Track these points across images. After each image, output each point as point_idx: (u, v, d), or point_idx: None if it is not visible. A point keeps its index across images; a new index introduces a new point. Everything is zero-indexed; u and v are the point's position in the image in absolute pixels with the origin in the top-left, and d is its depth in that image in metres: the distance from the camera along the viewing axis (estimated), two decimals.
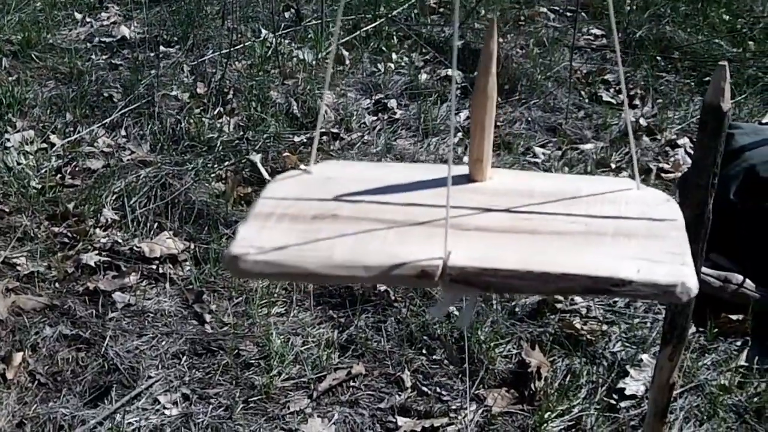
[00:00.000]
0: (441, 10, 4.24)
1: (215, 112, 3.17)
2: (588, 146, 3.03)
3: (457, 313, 2.07)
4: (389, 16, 4.00)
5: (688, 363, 2.00)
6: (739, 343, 2.10)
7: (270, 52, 3.58)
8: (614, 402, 1.92)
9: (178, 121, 3.08)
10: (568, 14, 4.20)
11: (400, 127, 3.14)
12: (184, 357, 2.04)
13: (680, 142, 3.05)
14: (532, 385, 1.95)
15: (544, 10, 4.25)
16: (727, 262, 2.22)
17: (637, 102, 3.35)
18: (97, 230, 2.48)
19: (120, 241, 2.43)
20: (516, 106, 3.28)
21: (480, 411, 1.90)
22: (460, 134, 3.05)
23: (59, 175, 2.77)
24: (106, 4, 4.21)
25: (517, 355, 2.04)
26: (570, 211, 0.79)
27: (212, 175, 2.78)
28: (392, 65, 3.58)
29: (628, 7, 4.25)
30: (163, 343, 2.08)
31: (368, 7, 4.09)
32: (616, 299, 2.19)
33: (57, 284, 2.27)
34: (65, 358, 2.04)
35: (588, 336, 2.09)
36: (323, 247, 0.73)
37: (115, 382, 1.97)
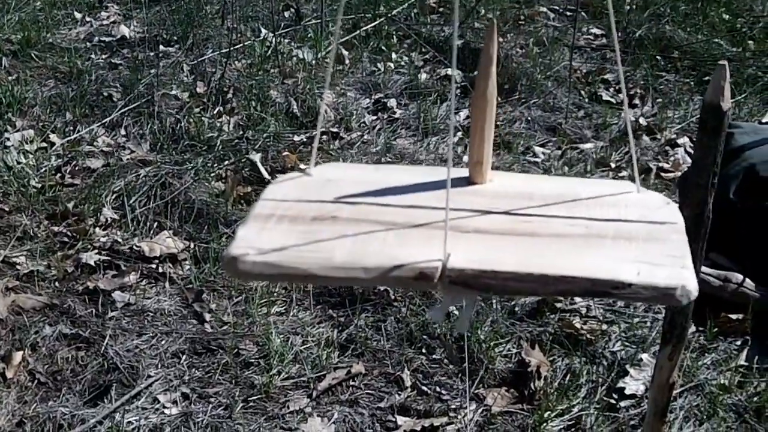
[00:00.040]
0: (441, 9, 4.24)
1: (215, 112, 3.17)
2: (588, 146, 3.03)
3: (457, 312, 2.07)
4: (389, 15, 4.00)
5: (688, 362, 2.00)
6: (738, 343, 2.10)
7: (270, 52, 3.58)
8: (614, 401, 1.92)
9: (178, 120, 3.08)
10: (568, 14, 4.20)
11: (400, 127, 3.14)
12: (184, 356, 2.04)
13: (680, 141, 3.05)
14: (532, 385, 1.95)
15: (544, 9, 4.25)
16: (726, 261, 2.22)
17: (636, 101, 3.35)
18: (97, 229, 2.48)
19: (120, 240, 2.43)
20: (516, 106, 3.28)
21: (480, 410, 1.90)
22: (459, 134, 3.05)
23: (59, 175, 2.77)
24: (106, 3, 4.21)
25: (516, 354, 2.04)
26: (570, 213, 0.79)
27: (212, 175, 2.78)
28: (392, 65, 3.58)
29: (628, 7, 4.25)
30: (163, 342, 2.09)
31: (368, 6, 4.09)
32: None
33: (57, 283, 2.27)
34: (65, 357, 2.04)
35: (588, 335, 2.09)
36: (322, 249, 0.73)
37: (115, 381, 1.97)
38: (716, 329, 2.10)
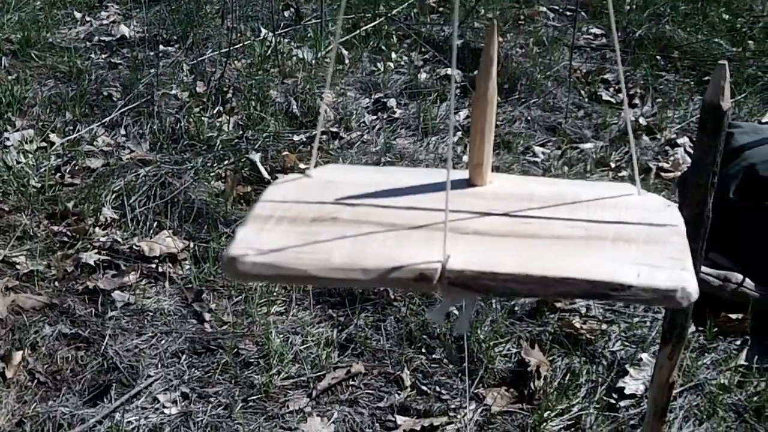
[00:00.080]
0: (440, 9, 4.24)
1: (215, 111, 3.17)
2: (588, 145, 3.03)
3: (457, 312, 2.07)
4: (389, 15, 4.00)
5: (688, 362, 2.00)
6: (738, 342, 2.10)
7: (269, 51, 3.58)
8: (614, 401, 1.92)
9: (178, 120, 3.08)
10: (568, 13, 4.20)
11: (400, 126, 3.14)
12: (184, 356, 2.05)
13: (680, 141, 3.05)
14: (532, 384, 1.95)
15: (544, 9, 4.25)
16: (726, 261, 2.22)
17: (636, 101, 3.35)
18: (97, 229, 2.48)
19: (119, 240, 2.43)
20: (515, 106, 3.28)
21: (479, 410, 1.90)
22: (459, 133, 3.05)
23: (59, 174, 2.77)
24: (106, 3, 4.21)
25: (516, 354, 2.04)
26: (570, 215, 0.79)
27: (212, 174, 2.78)
28: (392, 64, 3.58)
29: (628, 7, 4.25)
30: (163, 342, 2.09)
31: (368, 6, 4.09)
32: None
33: (56, 283, 2.27)
34: (65, 356, 2.04)
35: (587, 335, 2.09)
36: (322, 250, 0.73)
37: (115, 380, 1.97)
38: (716, 329, 2.10)
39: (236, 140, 2.98)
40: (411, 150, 2.97)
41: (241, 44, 3.64)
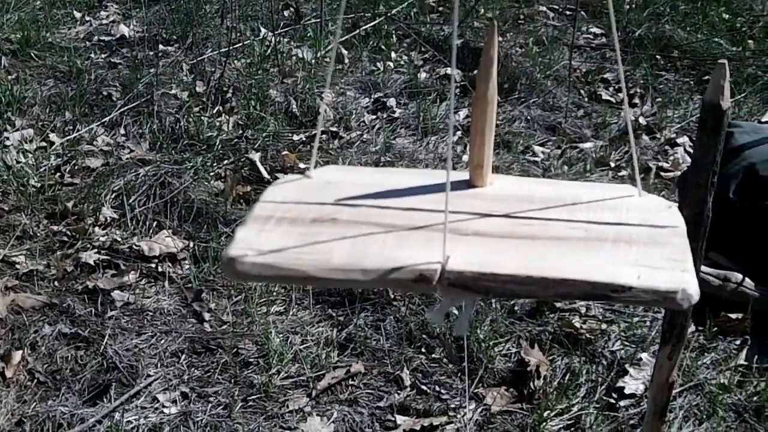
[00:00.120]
0: (440, 8, 4.24)
1: (214, 111, 3.17)
2: (587, 145, 3.03)
3: (456, 313, 2.07)
4: (388, 14, 4.00)
5: (688, 362, 2.00)
6: (738, 342, 2.10)
7: (269, 51, 3.58)
8: (613, 401, 1.92)
9: (177, 119, 3.08)
10: (568, 13, 4.20)
11: (399, 126, 3.13)
12: (183, 355, 2.04)
13: (680, 140, 3.05)
14: (532, 384, 1.95)
15: (544, 8, 4.25)
16: (726, 260, 2.22)
17: (636, 101, 3.35)
18: (96, 229, 2.48)
19: (119, 239, 2.43)
20: (515, 105, 3.28)
21: (479, 410, 1.90)
22: (459, 133, 3.05)
23: (58, 174, 2.77)
24: (105, 2, 4.21)
25: (516, 353, 2.04)
26: (570, 217, 0.79)
27: (211, 174, 2.78)
28: (391, 64, 3.58)
29: (628, 6, 4.25)
30: (162, 341, 2.08)
31: (367, 5, 4.08)
32: None
33: (56, 283, 2.27)
34: (64, 356, 2.04)
35: (587, 335, 2.09)
36: (321, 251, 0.73)
37: (114, 380, 1.97)
38: (716, 329, 2.10)
39: (236, 140, 2.97)
40: (411, 149, 2.97)
41: (240, 44, 3.64)
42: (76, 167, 2.81)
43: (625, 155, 2.94)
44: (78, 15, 4.03)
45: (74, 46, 3.66)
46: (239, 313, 2.18)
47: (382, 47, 3.71)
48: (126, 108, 3.14)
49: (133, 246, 2.40)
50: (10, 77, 3.36)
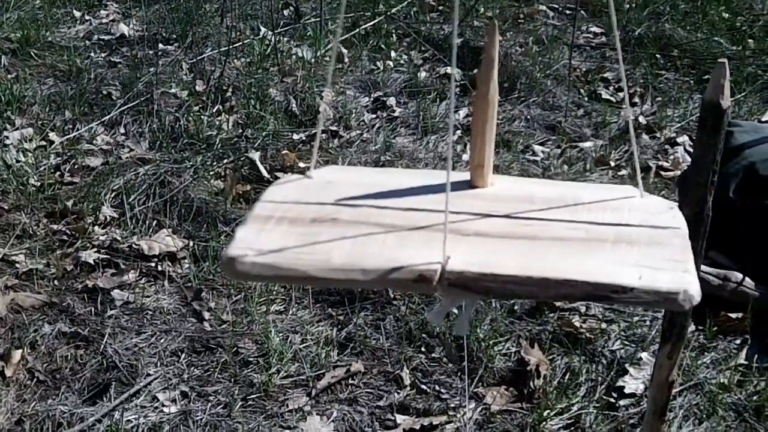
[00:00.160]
0: (440, 7, 4.24)
1: (214, 110, 3.17)
2: (587, 144, 3.03)
3: (456, 312, 2.06)
4: (388, 13, 4.00)
5: (688, 361, 2.00)
6: (738, 342, 2.10)
7: (269, 50, 3.58)
8: (613, 400, 1.92)
9: (177, 118, 3.08)
10: (568, 12, 4.19)
11: (399, 125, 3.13)
12: (183, 355, 2.04)
13: (680, 139, 3.05)
14: (531, 384, 1.95)
15: (544, 7, 4.25)
16: (726, 260, 2.22)
17: (636, 100, 3.34)
18: (96, 228, 2.48)
19: (119, 238, 2.43)
20: (515, 104, 3.28)
21: (479, 409, 1.89)
22: (459, 132, 3.05)
23: (58, 173, 2.77)
24: (105, 1, 4.20)
25: (516, 353, 2.04)
26: (571, 217, 0.79)
27: (211, 173, 2.77)
28: (391, 63, 3.58)
29: (628, 5, 4.25)
30: (162, 340, 2.08)
31: (367, 4, 4.08)
32: None
33: (56, 282, 2.27)
34: (64, 355, 2.03)
35: (587, 334, 2.09)
36: (321, 251, 0.73)
37: (114, 379, 1.97)
38: (716, 328, 2.10)
39: (236, 139, 2.97)
40: (410, 149, 2.97)
41: (240, 43, 3.63)
42: (75, 166, 2.81)
43: (625, 154, 2.94)
44: (78, 14, 4.03)
45: (74, 45, 3.66)
46: (239, 312, 2.18)
47: (382, 46, 3.71)
48: (126, 107, 3.14)
49: (133, 245, 2.40)
50: (9, 76, 3.36)
